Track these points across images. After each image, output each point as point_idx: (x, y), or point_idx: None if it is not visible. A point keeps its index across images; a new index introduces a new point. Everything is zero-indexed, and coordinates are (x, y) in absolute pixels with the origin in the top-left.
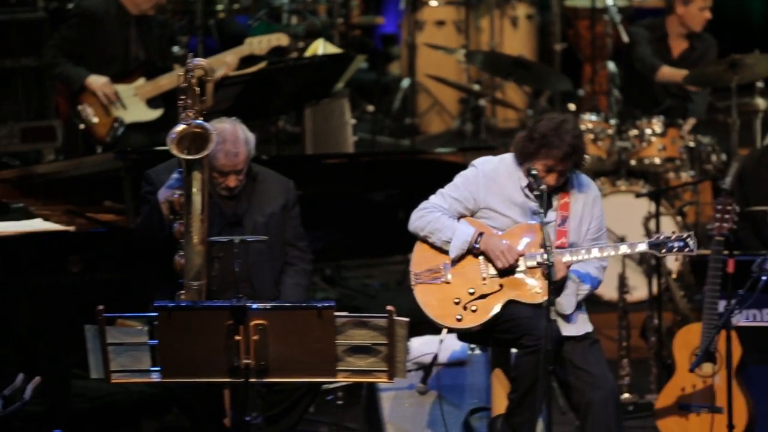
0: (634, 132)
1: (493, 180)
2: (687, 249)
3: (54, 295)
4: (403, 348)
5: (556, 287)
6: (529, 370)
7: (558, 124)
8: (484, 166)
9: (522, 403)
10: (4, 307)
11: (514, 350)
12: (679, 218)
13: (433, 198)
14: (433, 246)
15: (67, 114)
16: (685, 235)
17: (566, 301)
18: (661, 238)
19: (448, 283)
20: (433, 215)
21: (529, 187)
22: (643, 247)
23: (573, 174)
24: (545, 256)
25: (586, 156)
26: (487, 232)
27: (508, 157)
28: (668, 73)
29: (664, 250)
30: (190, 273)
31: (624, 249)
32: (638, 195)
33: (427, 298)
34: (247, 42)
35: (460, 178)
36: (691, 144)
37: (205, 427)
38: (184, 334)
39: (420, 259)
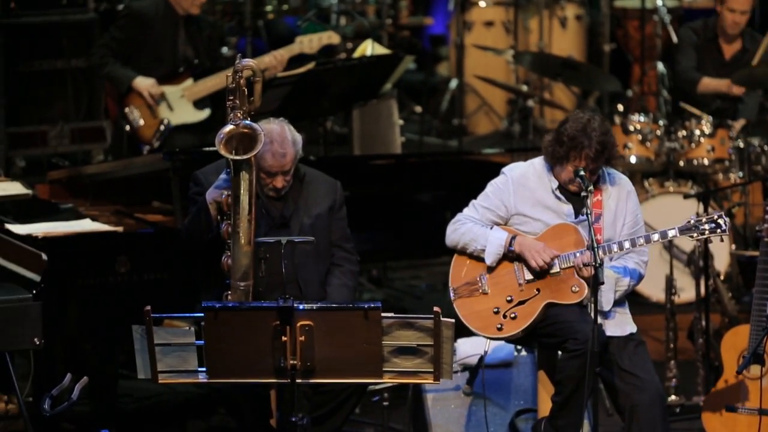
0: (682, 133)
1: (523, 185)
2: (720, 230)
3: (102, 295)
4: (450, 349)
5: (591, 284)
6: (573, 374)
7: (584, 124)
8: (513, 172)
9: (566, 406)
10: (53, 307)
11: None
12: (719, 212)
13: (465, 210)
14: (471, 257)
15: (116, 115)
16: (716, 215)
17: (603, 298)
18: (692, 222)
19: (486, 294)
20: (466, 227)
21: (564, 185)
22: (673, 233)
23: (605, 171)
24: (584, 253)
25: (618, 151)
26: (521, 236)
27: (537, 161)
28: (709, 83)
29: (696, 234)
30: (237, 274)
31: (656, 237)
32: (686, 196)
33: (468, 311)
34: (297, 40)
35: (490, 187)
36: (741, 145)
37: (251, 427)
38: (231, 335)
39: (457, 273)
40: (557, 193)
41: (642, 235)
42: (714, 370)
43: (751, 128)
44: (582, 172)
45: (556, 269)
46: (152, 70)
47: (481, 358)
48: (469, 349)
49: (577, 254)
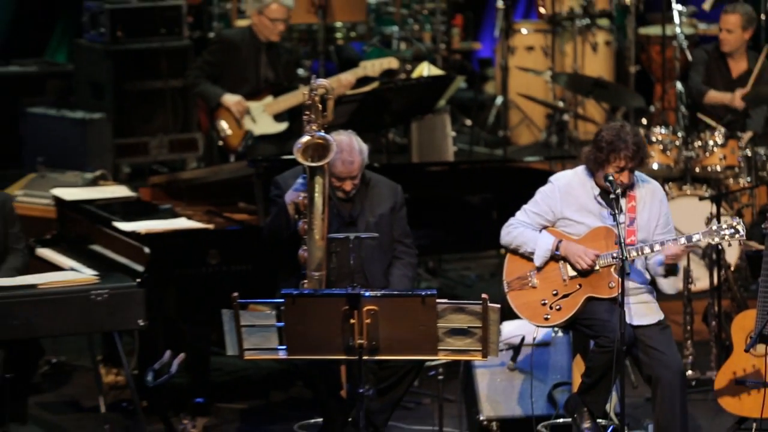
0: (698, 143)
1: (568, 193)
2: (738, 235)
3: (196, 283)
4: (496, 330)
5: (672, 269)
6: (602, 365)
7: (618, 130)
8: (559, 181)
9: (594, 387)
10: (155, 293)
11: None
12: (737, 218)
13: (518, 214)
14: (522, 257)
15: (207, 128)
16: (735, 222)
17: (667, 284)
18: (714, 228)
19: (534, 287)
20: (518, 230)
21: (606, 190)
22: (698, 237)
23: (639, 179)
24: (618, 253)
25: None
26: (565, 239)
27: (580, 170)
28: (715, 96)
29: (717, 238)
30: (312, 265)
31: (683, 241)
32: (702, 198)
33: (519, 302)
34: (362, 65)
35: (539, 194)
36: (749, 154)
37: (324, 397)
38: (307, 318)
39: (510, 269)
40: (598, 198)
41: (671, 239)
42: (725, 348)
43: (758, 139)
44: (611, 177)
45: (596, 267)
46: (238, 88)
47: (523, 338)
48: (512, 330)
49: (614, 254)
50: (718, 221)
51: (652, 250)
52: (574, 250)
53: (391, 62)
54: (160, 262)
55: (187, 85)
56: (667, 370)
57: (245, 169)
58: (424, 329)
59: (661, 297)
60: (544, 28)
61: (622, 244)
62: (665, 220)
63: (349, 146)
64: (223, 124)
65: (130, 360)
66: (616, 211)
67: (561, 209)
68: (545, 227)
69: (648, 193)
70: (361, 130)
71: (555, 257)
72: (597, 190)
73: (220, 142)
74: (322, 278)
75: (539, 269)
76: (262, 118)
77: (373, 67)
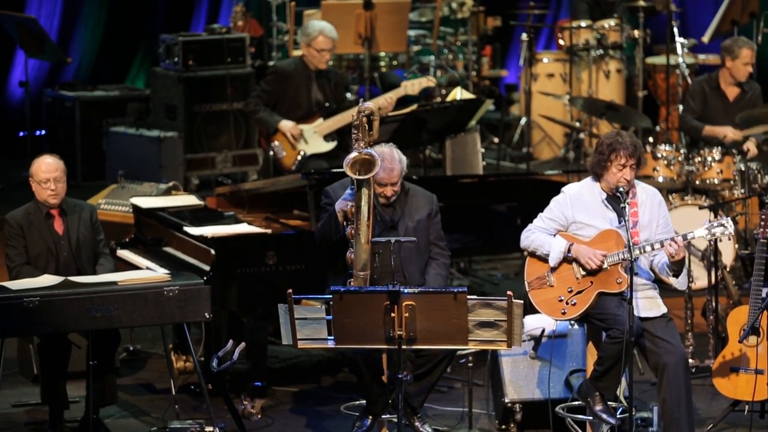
0: (698, 159)
1: (578, 199)
2: (727, 231)
3: (255, 281)
4: (519, 323)
5: (679, 268)
6: (613, 354)
7: (615, 133)
8: (570, 190)
9: (605, 374)
10: (219, 289)
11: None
12: (727, 217)
13: (535, 221)
14: (539, 259)
15: (266, 148)
16: (724, 220)
17: (678, 282)
18: (706, 226)
19: (552, 286)
20: (535, 235)
21: (612, 194)
22: (692, 235)
23: (639, 186)
24: (627, 254)
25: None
26: (576, 243)
27: (588, 180)
28: (712, 130)
29: (709, 235)
30: (358, 265)
31: (680, 239)
32: (701, 207)
33: (539, 299)
34: (402, 84)
35: (553, 202)
36: (742, 168)
37: (368, 382)
38: (353, 312)
39: (530, 270)
40: (606, 202)
41: (669, 238)
42: (721, 340)
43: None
44: (621, 189)
45: (604, 266)
46: (292, 112)
47: (543, 330)
48: (534, 323)
49: (620, 254)
50: None
51: (653, 249)
52: (583, 252)
53: (429, 80)
54: (224, 262)
55: (248, 112)
56: (672, 357)
57: (299, 181)
58: (456, 322)
59: (665, 294)
60: (562, 57)
61: (631, 248)
62: (665, 221)
63: (390, 156)
64: (279, 147)
65: (197, 348)
66: (626, 214)
67: (573, 214)
68: (559, 231)
69: (648, 198)
70: (401, 146)
71: (567, 259)
72: (604, 195)
73: (278, 163)
74: (366, 277)
75: (554, 269)
76: (313, 138)
77: (413, 86)
